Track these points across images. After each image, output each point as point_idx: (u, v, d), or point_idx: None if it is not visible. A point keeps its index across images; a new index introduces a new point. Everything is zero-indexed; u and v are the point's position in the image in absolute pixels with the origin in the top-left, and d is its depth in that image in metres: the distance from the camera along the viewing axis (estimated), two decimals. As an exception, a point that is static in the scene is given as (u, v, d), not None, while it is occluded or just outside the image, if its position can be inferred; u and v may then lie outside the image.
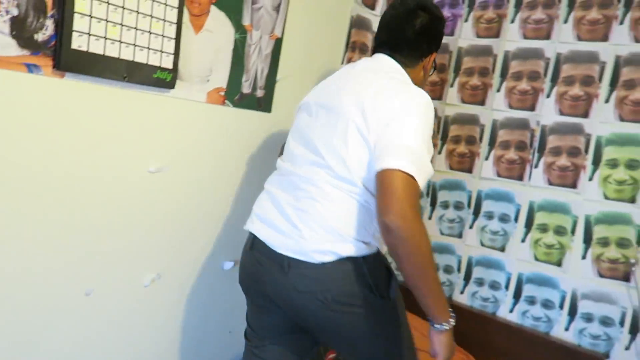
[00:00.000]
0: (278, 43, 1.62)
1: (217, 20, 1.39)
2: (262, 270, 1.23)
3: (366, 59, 1.35)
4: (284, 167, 1.27)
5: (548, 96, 2.10)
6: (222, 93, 1.47)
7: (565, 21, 2.07)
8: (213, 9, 1.39)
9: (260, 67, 1.57)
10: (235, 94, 1.51)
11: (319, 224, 1.15)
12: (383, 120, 1.13)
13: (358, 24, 1.95)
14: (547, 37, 2.11)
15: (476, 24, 2.28)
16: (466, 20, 2.31)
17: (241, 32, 1.48)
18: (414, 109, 1.14)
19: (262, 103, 1.62)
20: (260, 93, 1.60)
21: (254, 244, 1.27)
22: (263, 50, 1.56)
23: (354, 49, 1.96)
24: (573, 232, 2.05)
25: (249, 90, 1.55)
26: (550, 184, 2.10)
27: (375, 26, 2.03)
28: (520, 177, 2.17)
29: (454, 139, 2.34)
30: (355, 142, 1.15)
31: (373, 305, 1.19)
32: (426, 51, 1.36)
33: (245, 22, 1.48)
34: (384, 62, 1.29)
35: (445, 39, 2.33)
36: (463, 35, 2.31)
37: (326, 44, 1.82)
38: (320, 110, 1.24)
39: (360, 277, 1.17)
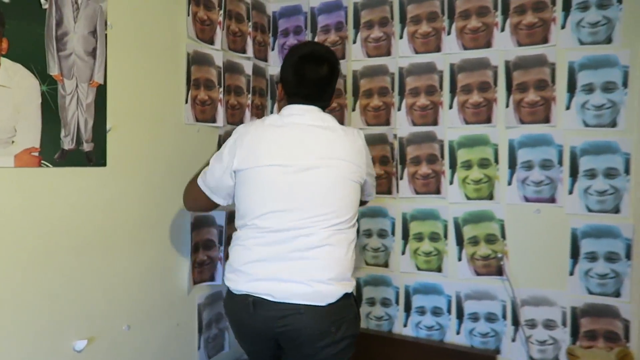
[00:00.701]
0: (101, 90, 1.46)
1: (13, 73, 1.21)
2: (278, 324, 1.35)
3: (296, 113, 1.46)
4: (270, 226, 1.37)
5: (399, 109, 2.16)
6: (36, 153, 1.28)
7: (401, 37, 2.15)
8: (4, 61, 1.20)
9: (82, 119, 1.39)
10: (54, 152, 1.32)
11: (329, 268, 1.35)
12: (364, 166, 1.48)
13: (197, 60, 1.85)
14: (388, 53, 2.18)
15: (365, 44, 2.24)
16: (354, 42, 2.28)
17: (50, 83, 1.30)
18: (365, 146, 1.53)
19: (93, 157, 1.44)
20: (88, 147, 1.42)
21: (257, 304, 1.35)
22: (83, 100, 1.40)
23: (197, 86, 1.85)
24: (446, 236, 2.10)
25: (72, 146, 1.37)
26: (417, 193, 2.13)
27: (217, 60, 1.94)
28: (388, 191, 2.19)
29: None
30: (351, 188, 1.43)
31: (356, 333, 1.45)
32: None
33: (53, 71, 1.31)
34: (322, 117, 1.48)
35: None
36: (354, 57, 2.27)
37: (162, 84, 1.69)
38: (302, 170, 1.37)
39: (353, 307, 1.43)
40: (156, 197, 1.69)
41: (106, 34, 1.48)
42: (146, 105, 1.63)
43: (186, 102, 1.81)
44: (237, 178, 1.46)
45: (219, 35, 1.98)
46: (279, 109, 1.55)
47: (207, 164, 1.56)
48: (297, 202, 1.37)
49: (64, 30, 1.35)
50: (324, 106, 1.54)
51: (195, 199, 1.60)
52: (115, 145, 1.52)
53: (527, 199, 1.97)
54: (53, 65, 1.32)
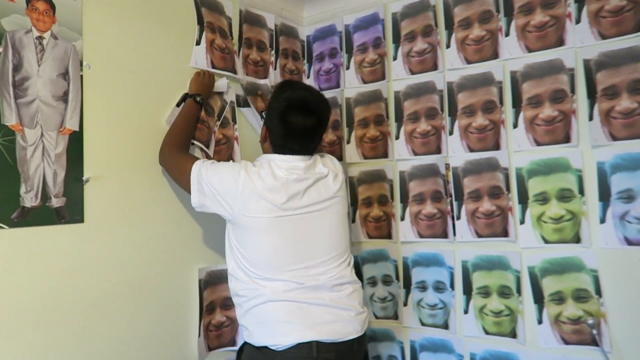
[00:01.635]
0: (75, 138, 1.31)
1: (-45, 126, 1.10)
2: None
3: (288, 173, 1.36)
4: (304, 281, 1.33)
5: (451, 133, 1.77)
6: (-13, 214, 1.14)
7: (448, 46, 1.78)
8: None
9: (50, 171, 1.25)
10: (11, 211, 1.18)
11: (359, 300, 1.41)
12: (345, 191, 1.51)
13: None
14: (434, 67, 1.81)
15: (407, 59, 1.93)
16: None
17: (5, 134, 1.17)
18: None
19: (65, 213, 1.28)
20: (57, 202, 1.26)
21: (319, 349, 1.30)
22: (51, 150, 1.25)
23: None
24: (519, 291, 1.63)
25: (35, 202, 1.22)
26: (479, 235, 1.70)
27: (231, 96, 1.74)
28: (444, 234, 1.78)
29: (365, 202, 1.97)
30: (345, 219, 1.48)
31: None
32: None
33: (9, 121, 1.18)
34: (314, 169, 1.42)
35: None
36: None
37: (157, 125, 1.52)
38: (309, 215, 1.37)
39: None
40: (151, 253, 1.49)
41: (82, 75, 1.34)
42: (133, 151, 1.45)
43: (192, 143, 1.61)
44: (241, 220, 1.35)
45: (238, 64, 1.78)
46: (263, 149, 1.49)
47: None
48: (315, 250, 1.37)
49: (24, 74, 1.22)
50: (312, 152, 1.46)
51: (177, 172, 1.45)
52: (96, 197, 1.35)
53: (629, 242, 1.45)
54: (9, 114, 1.19)
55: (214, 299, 1.66)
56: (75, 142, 1.31)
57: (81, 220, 1.32)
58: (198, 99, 1.55)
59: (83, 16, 1.35)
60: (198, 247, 1.64)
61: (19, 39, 1.21)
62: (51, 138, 1.27)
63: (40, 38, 1.25)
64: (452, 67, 1.76)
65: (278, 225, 1.34)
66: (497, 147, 1.67)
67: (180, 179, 1.43)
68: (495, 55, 1.68)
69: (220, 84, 1.69)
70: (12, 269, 1.18)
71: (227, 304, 1.69)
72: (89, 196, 1.34)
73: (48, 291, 1.25)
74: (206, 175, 1.35)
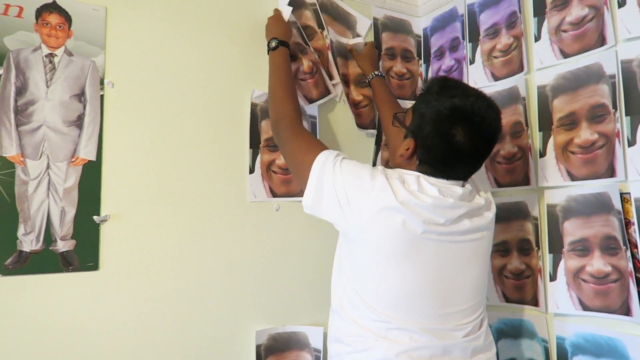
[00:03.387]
0: (91, 169, 1.11)
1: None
2: None
3: (454, 191, 1.01)
4: (426, 327, 0.97)
5: (631, 143, 1.08)
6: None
7: (622, 4, 1.10)
8: None
9: (57, 209, 1.06)
10: (5, 257, 1.01)
11: None
12: None
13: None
14: (601, 42, 1.15)
15: (557, 37, 1.38)
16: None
17: (3, 167, 1.02)
18: None
19: (74, 259, 1.07)
20: (65, 245, 1.06)
21: None
22: (59, 185, 1.06)
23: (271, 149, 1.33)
24: None
25: (36, 247, 1.03)
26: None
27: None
28: (626, 309, 1.08)
29: (501, 249, 1.37)
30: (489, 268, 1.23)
31: None
32: None
33: (9, 152, 1.02)
34: (475, 193, 1.08)
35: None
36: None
37: (205, 150, 1.24)
38: (460, 245, 1.02)
39: None
40: (187, 310, 1.19)
41: (102, 95, 1.14)
42: (161, 185, 1.19)
43: (251, 171, 1.30)
44: (365, 235, 0.98)
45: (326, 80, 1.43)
46: (399, 165, 1.07)
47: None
48: (459, 294, 1.02)
49: (29, 98, 1.06)
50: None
51: (294, 159, 1.11)
52: (115, 240, 1.12)
53: None
54: (9, 144, 1.04)
55: (280, 371, 1.29)
56: (91, 174, 1.11)
57: (95, 267, 1.10)
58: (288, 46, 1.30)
59: (107, 27, 1.16)
60: (256, 302, 1.29)
61: (24, 58, 1.06)
62: (59, 170, 1.08)
63: (51, 55, 1.09)
64: (630, 36, 1.09)
65: (419, 250, 0.97)
66: None
67: (298, 169, 1.08)
68: None
69: (286, 12, 1.37)
70: (3, 324, 1.01)
71: (297, 378, 1.30)
72: (106, 238, 1.11)
73: (51, 353, 1.04)
74: (332, 172, 0.99)
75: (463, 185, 1.03)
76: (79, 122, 1.11)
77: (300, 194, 1.22)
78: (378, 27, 1.59)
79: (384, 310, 0.96)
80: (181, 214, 1.21)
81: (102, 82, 1.14)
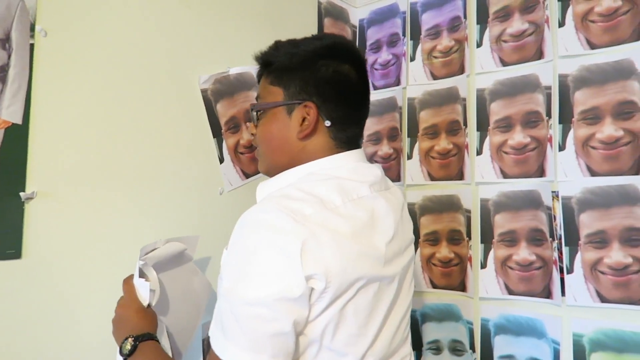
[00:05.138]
0: (16, 134, 0.90)
1: None
2: None
3: (375, 175, 0.82)
4: None
5: (562, 148, 1.24)
6: None
7: (561, 24, 1.25)
8: None
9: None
10: None
11: None
12: None
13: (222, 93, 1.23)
14: (539, 55, 1.29)
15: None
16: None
17: None
18: None
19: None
20: (-24, 229, 0.85)
21: None
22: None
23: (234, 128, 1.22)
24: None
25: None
26: (604, 300, 1.15)
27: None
28: (547, 293, 1.24)
29: (430, 239, 1.46)
30: None
31: None
32: None
33: None
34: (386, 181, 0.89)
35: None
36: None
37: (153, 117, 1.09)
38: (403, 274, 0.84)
39: None
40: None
41: (32, 45, 0.92)
42: (102, 158, 1.02)
43: (221, 161, 1.18)
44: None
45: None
46: (296, 156, 0.81)
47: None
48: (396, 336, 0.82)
49: None
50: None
51: None
52: (42, 223, 0.92)
53: None
54: None
55: None
56: (14, 141, 0.89)
57: (17, 255, 0.89)
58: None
59: (41, -40, 0.94)
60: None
61: None
62: (-28, 134, 0.85)
63: (-35, -14, 0.85)
64: (567, 53, 1.24)
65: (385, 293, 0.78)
66: (637, 169, 1.13)
67: None
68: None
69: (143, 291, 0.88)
70: None
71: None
72: (31, 220, 0.91)
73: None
74: (237, 305, 0.67)
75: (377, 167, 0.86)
76: (2, 75, 0.89)
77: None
78: (322, 12, 1.56)
79: None
80: (128, 197, 1.04)
81: (32, 29, 0.92)
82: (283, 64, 0.82)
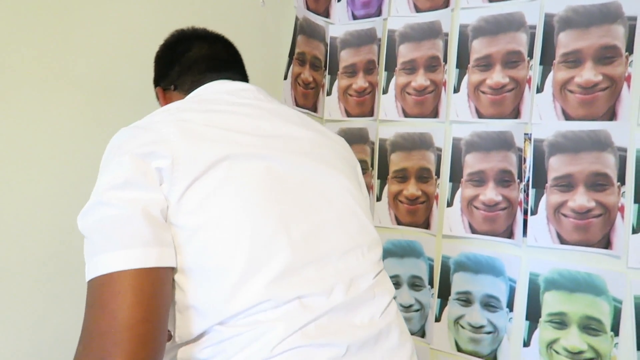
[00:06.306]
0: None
1: None
2: None
3: (246, 90, 0.79)
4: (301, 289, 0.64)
5: (540, 90, 1.22)
6: None
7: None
8: None
9: None
10: None
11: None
12: None
13: None
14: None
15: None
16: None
17: None
18: None
19: None
20: None
21: None
22: None
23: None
24: (615, 329, 1.12)
25: None
26: (563, 242, 1.18)
27: None
28: (509, 233, 1.26)
29: (399, 176, 1.45)
30: None
31: None
32: None
33: None
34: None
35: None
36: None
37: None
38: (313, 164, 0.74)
39: None
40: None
41: None
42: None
43: None
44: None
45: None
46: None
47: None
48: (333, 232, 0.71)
49: None
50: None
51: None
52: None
53: None
54: None
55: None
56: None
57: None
58: None
59: None
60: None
61: None
62: None
63: None
64: (553, -7, 1.20)
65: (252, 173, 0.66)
66: (611, 115, 1.14)
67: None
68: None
69: None
70: None
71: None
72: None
73: None
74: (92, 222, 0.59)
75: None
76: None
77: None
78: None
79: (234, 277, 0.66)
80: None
81: None
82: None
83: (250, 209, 0.63)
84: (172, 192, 0.60)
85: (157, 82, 0.89)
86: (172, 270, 0.60)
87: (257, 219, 0.63)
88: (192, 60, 0.84)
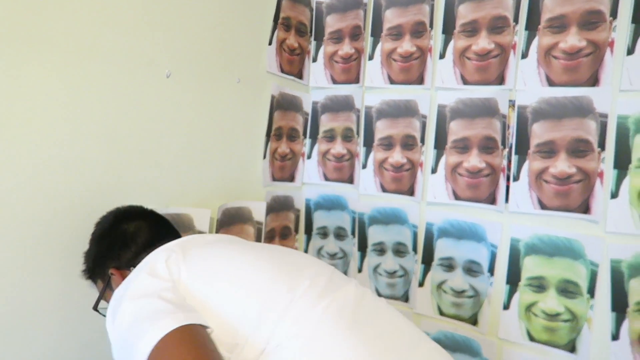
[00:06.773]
0: None
1: None
2: None
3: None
4: None
5: (524, 55, 1.22)
6: None
7: None
8: None
9: None
10: None
11: None
12: None
13: None
14: (514, -45, 1.23)
15: None
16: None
17: None
18: None
19: None
20: None
21: None
22: None
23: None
24: (592, 291, 1.15)
25: None
26: (544, 207, 1.20)
27: None
28: (492, 199, 1.28)
29: (384, 144, 1.45)
30: None
31: None
32: None
33: None
34: None
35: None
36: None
37: None
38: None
39: None
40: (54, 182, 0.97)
41: None
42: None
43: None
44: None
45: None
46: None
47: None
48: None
49: None
50: None
51: None
52: None
53: None
54: None
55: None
56: None
57: None
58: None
59: None
60: (141, 179, 1.12)
61: None
62: None
63: None
64: (541, -44, 1.18)
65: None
66: (594, 81, 1.14)
67: None
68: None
69: None
70: None
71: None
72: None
73: None
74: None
75: None
76: None
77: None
78: None
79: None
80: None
81: None
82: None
83: None
84: None
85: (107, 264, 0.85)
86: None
87: None
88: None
